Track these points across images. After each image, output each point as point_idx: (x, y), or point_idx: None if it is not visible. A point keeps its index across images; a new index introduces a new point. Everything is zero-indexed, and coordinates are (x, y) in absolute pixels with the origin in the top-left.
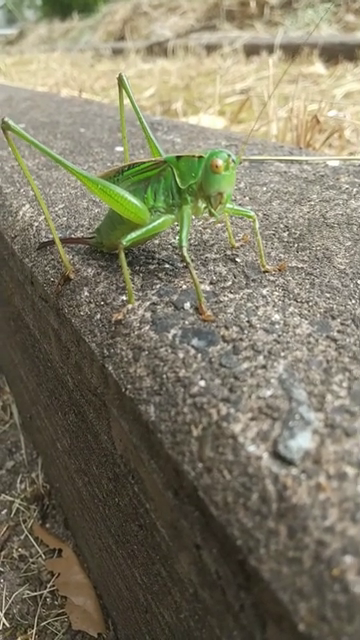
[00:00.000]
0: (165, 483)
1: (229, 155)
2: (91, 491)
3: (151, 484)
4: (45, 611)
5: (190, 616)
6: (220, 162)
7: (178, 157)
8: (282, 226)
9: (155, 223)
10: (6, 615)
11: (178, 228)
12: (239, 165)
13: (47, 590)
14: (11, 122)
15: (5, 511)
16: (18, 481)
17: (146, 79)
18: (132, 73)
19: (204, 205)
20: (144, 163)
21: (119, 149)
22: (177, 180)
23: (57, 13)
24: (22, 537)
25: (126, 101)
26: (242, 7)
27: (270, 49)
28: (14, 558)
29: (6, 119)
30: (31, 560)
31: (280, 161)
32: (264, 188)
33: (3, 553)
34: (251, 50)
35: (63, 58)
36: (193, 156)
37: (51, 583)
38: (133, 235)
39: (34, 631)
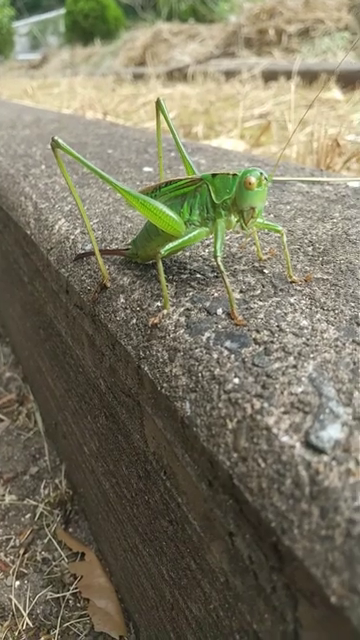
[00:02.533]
0: (199, 475)
1: (262, 173)
2: (119, 492)
3: (184, 477)
4: (68, 612)
5: (220, 606)
6: (253, 179)
7: (214, 175)
8: (306, 241)
9: (191, 235)
10: (30, 615)
11: (210, 241)
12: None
13: (70, 592)
14: (60, 140)
15: (29, 515)
16: (42, 486)
17: (167, 103)
18: (153, 97)
19: (236, 219)
20: (181, 180)
21: (146, 169)
22: (212, 196)
23: (79, 39)
24: (45, 541)
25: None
26: (260, 35)
27: (288, 75)
28: (37, 561)
29: (56, 138)
30: (54, 563)
31: (303, 182)
32: (288, 206)
33: (27, 556)
34: (269, 76)
35: (86, 82)
36: (228, 174)
37: (74, 585)
38: (171, 245)
39: (57, 632)
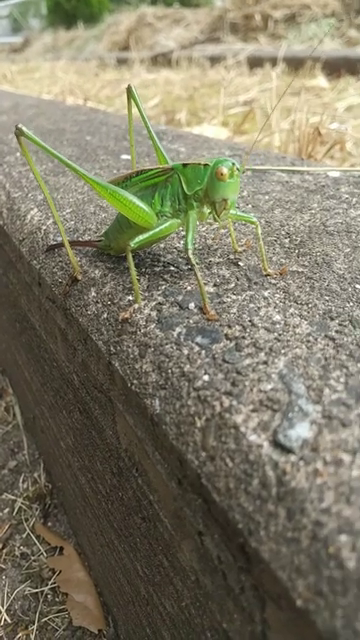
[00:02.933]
0: (169, 473)
1: (233, 164)
2: (94, 487)
3: (155, 475)
4: (46, 607)
5: (191, 604)
6: (225, 170)
7: (185, 165)
8: (284, 233)
9: (162, 227)
10: (7, 611)
11: (183, 232)
12: (242, 174)
13: (48, 587)
14: (24, 128)
15: (7, 510)
16: (20, 480)
17: (150, 89)
18: (136, 83)
19: (209, 211)
20: (152, 170)
21: (124, 157)
22: (183, 186)
23: (62, 22)
24: (24, 535)
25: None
26: (246, 20)
27: (273, 62)
28: (16, 556)
29: (20, 125)
30: (33, 558)
31: (282, 171)
32: (266, 197)
33: (5, 551)
34: (254, 62)
35: (68, 67)
36: (199, 164)
37: (52, 580)
38: (141, 238)
39: (35, 627)
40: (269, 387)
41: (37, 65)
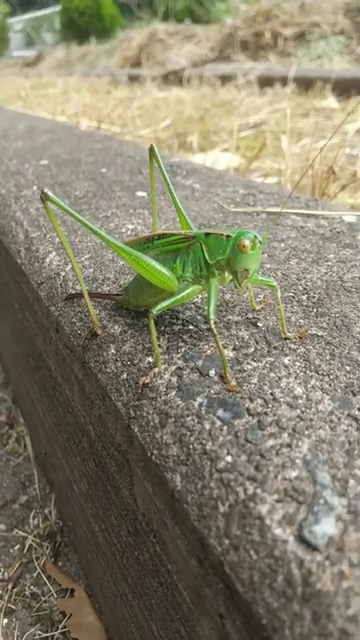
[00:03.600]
0: (189, 551)
1: (255, 236)
2: (108, 539)
3: (174, 548)
4: None
5: None
6: (247, 242)
7: (207, 234)
8: (301, 288)
9: (184, 293)
10: None
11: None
12: (257, 216)
13: (59, 631)
14: (50, 193)
15: (18, 547)
16: (31, 517)
17: (162, 109)
18: (148, 101)
19: (230, 277)
20: (174, 235)
21: (140, 194)
22: (206, 255)
23: (75, 37)
24: (34, 574)
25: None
26: (256, 37)
27: (284, 81)
28: (26, 596)
29: (45, 190)
30: (43, 599)
31: (297, 214)
32: (282, 245)
33: (15, 590)
34: (265, 82)
35: (80, 83)
36: (222, 235)
37: (63, 624)
38: (163, 304)
39: None
40: (294, 475)
41: (51, 80)
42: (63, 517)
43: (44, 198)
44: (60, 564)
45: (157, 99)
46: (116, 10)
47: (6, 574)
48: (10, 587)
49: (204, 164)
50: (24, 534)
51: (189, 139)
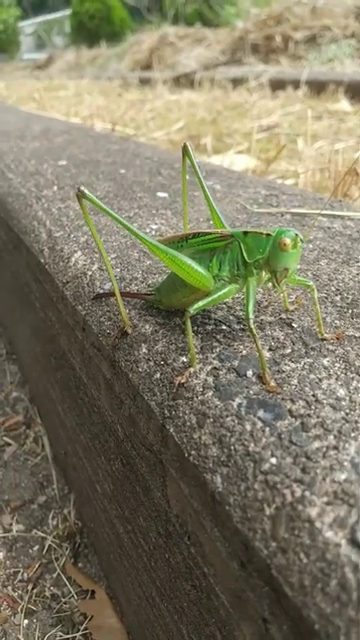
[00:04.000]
0: (230, 553)
1: (297, 235)
2: (135, 540)
3: (212, 550)
4: None
5: None
6: (289, 241)
7: (245, 232)
8: (333, 289)
9: (220, 292)
10: None
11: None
12: (282, 217)
13: (80, 633)
14: (86, 191)
15: (37, 547)
16: (50, 517)
17: (174, 111)
18: (160, 104)
19: (267, 276)
20: (210, 234)
21: (160, 194)
22: (244, 254)
23: (85, 40)
24: (54, 575)
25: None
26: (267, 41)
27: (295, 84)
28: (46, 597)
29: (82, 188)
30: (63, 600)
31: (322, 215)
32: (310, 245)
33: (35, 591)
34: (277, 85)
35: (92, 86)
36: (261, 233)
37: (84, 626)
38: (200, 304)
39: None
40: (342, 477)
41: (62, 83)
42: (83, 518)
43: (80, 196)
44: (80, 565)
45: (169, 102)
46: (126, 14)
47: (25, 575)
48: (30, 588)
49: (222, 165)
50: (43, 535)
51: (203, 141)
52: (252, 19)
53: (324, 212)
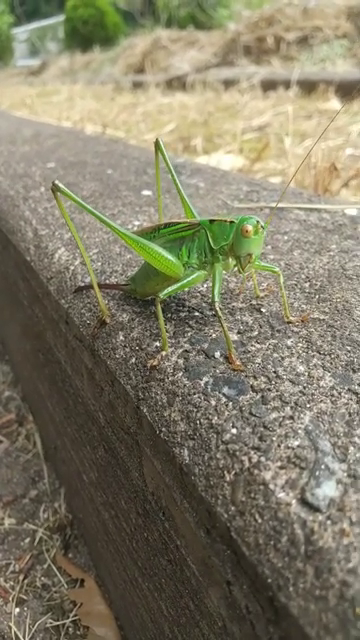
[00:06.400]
0: (197, 522)
1: (258, 221)
2: (118, 524)
3: (182, 522)
4: None
5: None
6: (250, 228)
7: (211, 221)
8: (303, 277)
9: (189, 278)
10: None
11: (209, 281)
12: (260, 211)
13: (69, 620)
14: (61, 184)
15: (28, 540)
16: (41, 510)
17: (166, 114)
18: (152, 107)
19: (234, 262)
20: (179, 224)
21: (145, 193)
22: (210, 241)
23: (78, 45)
24: (45, 566)
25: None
26: (259, 42)
27: (287, 84)
28: (37, 587)
29: (56, 182)
30: (54, 589)
31: (299, 209)
32: (285, 237)
33: (27, 581)
34: (268, 85)
35: (85, 90)
36: (225, 221)
37: (73, 613)
38: (169, 289)
39: None
40: (296, 444)
41: (55, 88)
42: (73, 510)
43: (54, 189)
44: (70, 556)
45: (161, 104)
46: (119, 18)
47: (17, 566)
48: (21, 578)
49: (208, 165)
50: (34, 527)
51: (193, 142)
52: (244, 21)
53: (300, 205)
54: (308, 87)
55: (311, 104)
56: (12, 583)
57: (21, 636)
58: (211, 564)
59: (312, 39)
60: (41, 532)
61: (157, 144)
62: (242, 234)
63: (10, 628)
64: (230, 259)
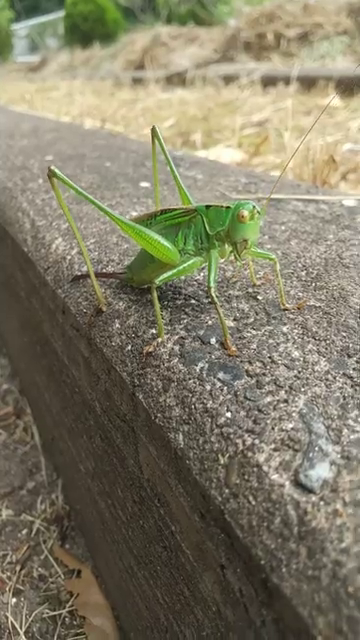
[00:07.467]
0: (192, 507)
1: (254, 207)
2: (114, 513)
3: (177, 507)
4: (64, 630)
5: (212, 633)
6: (246, 213)
7: (208, 207)
8: (300, 265)
9: (185, 265)
10: (26, 634)
11: (205, 264)
12: (258, 202)
13: (66, 610)
14: (57, 170)
15: (26, 531)
16: (38, 502)
17: (165, 109)
18: (151, 102)
19: (230, 249)
20: (176, 210)
21: (143, 184)
22: (206, 227)
23: (78, 42)
24: (42, 557)
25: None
26: (259, 39)
27: (286, 81)
28: (34, 577)
29: (52, 167)
30: (50, 580)
31: (297, 200)
32: (282, 227)
33: (23, 572)
34: (268, 81)
35: (84, 86)
36: (221, 206)
37: (70, 603)
38: (165, 275)
39: None
40: (290, 426)
41: (54, 84)
42: (70, 501)
43: (51, 175)
44: (67, 547)
45: (161, 100)
46: (119, 14)
47: (14, 557)
48: (18, 569)
49: (206, 158)
50: (32, 518)
51: (192, 137)
52: (244, 17)
53: (298, 196)
54: (308, 83)
55: (310, 100)
56: (9, 574)
57: (18, 626)
58: (205, 548)
59: (312, 35)
60: (38, 523)
61: (154, 132)
62: (238, 219)
63: (7, 618)
64: (226, 245)
